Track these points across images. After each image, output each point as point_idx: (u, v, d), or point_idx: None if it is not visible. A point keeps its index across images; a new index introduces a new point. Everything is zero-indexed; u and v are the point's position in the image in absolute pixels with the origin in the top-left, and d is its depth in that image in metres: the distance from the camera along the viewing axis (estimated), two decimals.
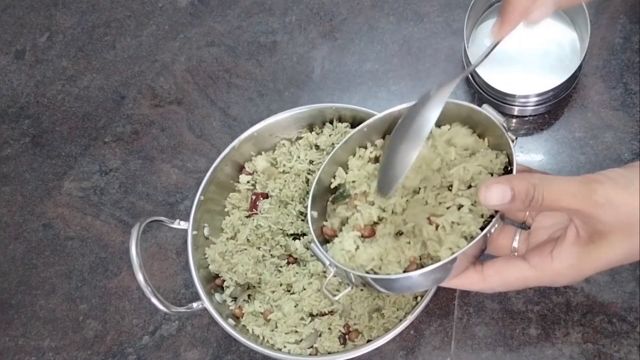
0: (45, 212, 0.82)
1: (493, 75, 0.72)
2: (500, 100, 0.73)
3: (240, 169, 0.73)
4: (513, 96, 0.71)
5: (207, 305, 0.64)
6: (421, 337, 0.67)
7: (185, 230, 0.68)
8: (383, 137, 0.61)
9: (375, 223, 0.57)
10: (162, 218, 0.67)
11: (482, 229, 0.51)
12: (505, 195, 0.45)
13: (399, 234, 0.55)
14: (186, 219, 0.68)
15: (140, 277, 0.60)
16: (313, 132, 0.73)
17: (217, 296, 0.68)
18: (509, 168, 0.54)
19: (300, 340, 0.65)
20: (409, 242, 0.53)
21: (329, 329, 0.64)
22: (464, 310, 0.68)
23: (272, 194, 0.71)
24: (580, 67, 0.71)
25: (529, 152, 0.74)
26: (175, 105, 0.85)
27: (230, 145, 0.70)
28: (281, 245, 0.69)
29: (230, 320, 0.65)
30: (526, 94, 0.71)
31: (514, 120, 0.75)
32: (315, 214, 0.59)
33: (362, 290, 0.64)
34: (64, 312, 0.77)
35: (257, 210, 0.71)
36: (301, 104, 0.71)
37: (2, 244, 0.82)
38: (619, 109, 0.73)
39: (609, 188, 0.44)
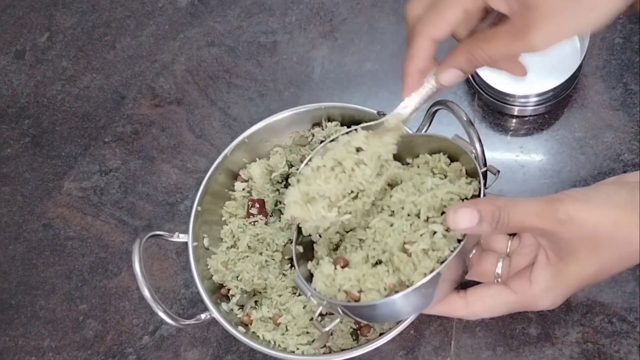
0: (45, 212, 0.82)
1: (493, 75, 0.72)
2: (500, 100, 0.73)
3: (235, 176, 0.72)
4: (513, 96, 0.71)
5: (217, 316, 0.63)
6: (421, 337, 0.67)
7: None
8: None
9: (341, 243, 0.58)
10: (161, 232, 0.66)
11: None
12: (472, 218, 0.47)
13: (378, 263, 0.56)
14: (186, 220, 0.68)
15: (147, 293, 0.59)
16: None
17: (224, 305, 0.67)
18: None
19: (313, 341, 0.64)
20: (387, 271, 0.53)
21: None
22: None
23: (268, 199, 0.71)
24: (580, 67, 0.71)
25: (529, 152, 0.74)
26: (175, 105, 0.85)
27: (222, 154, 0.69)
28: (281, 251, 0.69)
29: (241, 328, 0.65)
30: (526, 94, 0.71)
31: (514, 120, 0.75)
32: (300, 248, 0.59)
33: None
34: (64, 312, 0.77)
35: (253, 217, 0.70)
36: (301, 104, 0.71)
37: (2, 244, 0.82)
38: (619, 109, 0.73)
39: (569, 205, 0.46)
